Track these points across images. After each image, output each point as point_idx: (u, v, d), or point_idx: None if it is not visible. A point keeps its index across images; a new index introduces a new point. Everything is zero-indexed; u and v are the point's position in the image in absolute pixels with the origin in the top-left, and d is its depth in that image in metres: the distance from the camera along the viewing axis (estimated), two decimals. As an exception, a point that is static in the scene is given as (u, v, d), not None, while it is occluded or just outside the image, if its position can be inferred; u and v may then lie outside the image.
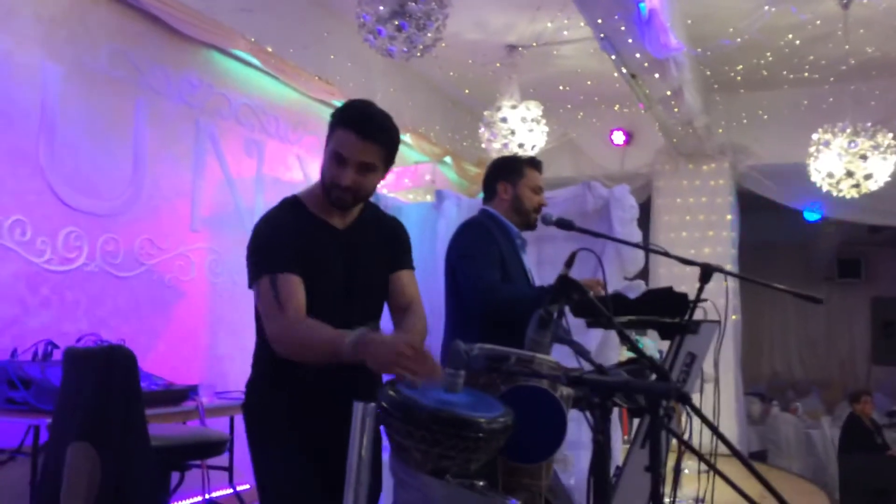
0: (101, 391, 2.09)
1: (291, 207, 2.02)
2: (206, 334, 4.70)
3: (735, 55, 6.55)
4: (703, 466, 2.35)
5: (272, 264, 1.88)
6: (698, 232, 8.04)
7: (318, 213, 2.01)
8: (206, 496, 3.50)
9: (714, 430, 1.49)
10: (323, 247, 1.97)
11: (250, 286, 1.95)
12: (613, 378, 1.27)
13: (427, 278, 4.78)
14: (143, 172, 4.27)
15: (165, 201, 4.42)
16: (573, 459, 3.11)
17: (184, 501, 4.04)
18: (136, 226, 4.22)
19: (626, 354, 5.87)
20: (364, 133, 1.90)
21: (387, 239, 2.13)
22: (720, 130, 7.81)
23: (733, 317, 7.71)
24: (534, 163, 2.94)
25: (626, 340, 1.52)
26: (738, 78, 7.24)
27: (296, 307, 1.85)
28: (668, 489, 2.58)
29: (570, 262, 1.77)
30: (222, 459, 3.84)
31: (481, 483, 1.45)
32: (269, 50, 4.97)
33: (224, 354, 4.79)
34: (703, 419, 1.48)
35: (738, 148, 7.90)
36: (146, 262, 4.28)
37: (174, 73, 4.47)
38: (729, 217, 7.97)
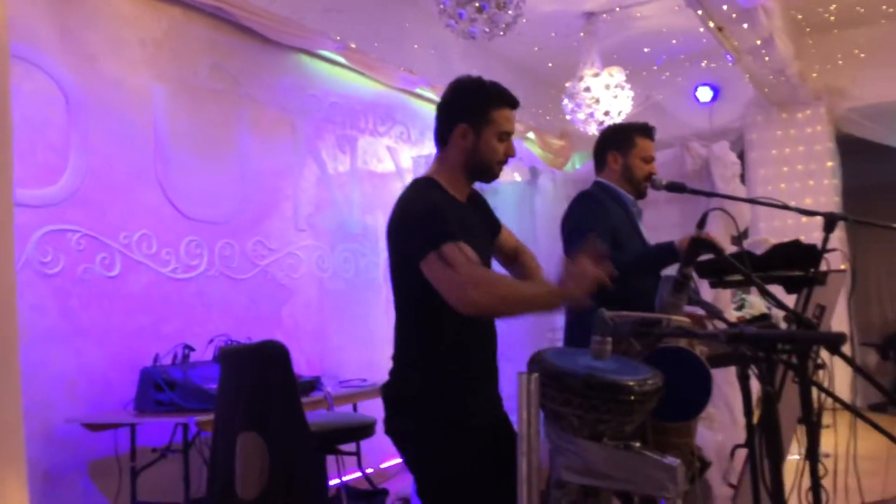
0: (260, 384, 2.23)
1: (433, 188, 2.05)
2: (319, 327, 4.88)
3: (828, -6, 6.27)
4: (824, 421, 2.33)
5: (452, 232, 1.86)
6: (798, 182, 7.75)
7: (451, 192, 2.07)
8: (341, 479, 3.66)
9: (871, 379, 1.49)
10: (467, 222, 2.03)
11: (423, 256, 1.85)
12: (776, 331, 1.28)
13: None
14: (250, 178, 4.46)
15: (271, 203, 4.61)
16: (717, 416, 3.10)
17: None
18: (248, 230, 4.42)
19: (735, 314, 5.76)
20: (515, 104, 2.07)
21: (485, 204, 2.27)
22: (814, 75, 7.49)
23: (842, 266, 7.44)
24: (646, 131, 2.88)
25: (769, 298, 1.53)
26: (832, 18, 6.90)
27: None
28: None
29: (701, 223, 1.78)
30: (350, 445, 4.02)
31: (637, 444, 1.49)
32: (354, 47, 5.09)
33: (337, 345, 4.98)
34: (857, 369, 1.48)
35: (834, 91, 7.56)
36: (259, 263, 4.48)
37: (269, 79, 4.64)
38: (830, 164, 7.65)
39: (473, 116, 2.02)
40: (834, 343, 1.13)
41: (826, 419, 2.51)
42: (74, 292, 3.47)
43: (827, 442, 2.79)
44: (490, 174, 2.09)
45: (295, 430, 2.25)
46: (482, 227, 2.16)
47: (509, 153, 2.07)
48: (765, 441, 1.22)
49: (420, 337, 1.98)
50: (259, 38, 4.51)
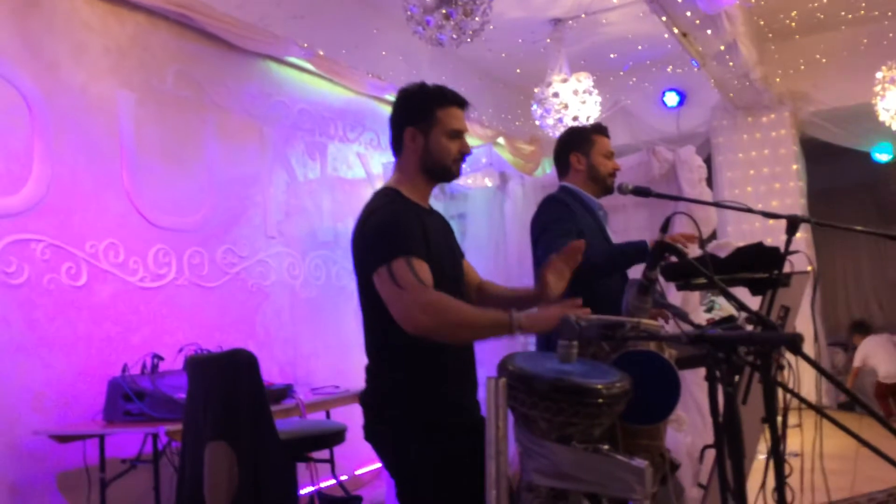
0: (229, 392, 2.21)
1: (398, 198, 2.04)
2: (290, 335, 4.86)
3: (789, 1, 6.39)
4: (791, 421, 2.37)
5: (405, 248, 1.87)
6: (764, 185, 7.87)
7: (413, 199, 2.07)
8: (315, 486, 3.64)
9: (830, 378, 1.51)
10: (435, 232, 2.03)
11: (373, 270, 1.89)
12: (736, 332, 1.31)
13: (499, 260, 4.86)
14: (218, 185, 4.43)
15: (240, 211, 4.58)
16: (685, 418, 3.14)
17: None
18: (217, 237, 4.39)
19: (704, 316, 5.84)
20: (462, 103, 2.10)
21: (451, 229, 2.25)
22: (777, 80, 7.63)
23: (808, 267, 7.56)
24: (600, 129, 2.98)
25: (731, 300, 1.56)
26: (793, 24, 7.06)
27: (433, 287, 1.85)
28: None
29: (665, 227, 1.81)
30: (323, 452, 4.00)
31: (606, 447, 1.51)
32: (322, 53, 5.08)
33: (308, 352, 4.96)
34: (818, 368, 1.51)
35: (797, 95, 7.71)
36: (229, 271, 4.45)
37: (235, 86, 4.62)
38: (795, 167, 7.79)
39: (419, 118, 2.06)
40: (792, 343, 1.16)
41: (794, 419, 2.55)
42: (40, 302, 3.42)
43: (795, 441, 2.85)
44: (448, 173, 2.10)
45: (264, 438, 2.23)
46: (447, 233, 2.16)
47: (464, 150, 2.09)
48: (726, 441, 1.24)
49: (393, 344, 1.95)
50: (225, 44, 4.49)
